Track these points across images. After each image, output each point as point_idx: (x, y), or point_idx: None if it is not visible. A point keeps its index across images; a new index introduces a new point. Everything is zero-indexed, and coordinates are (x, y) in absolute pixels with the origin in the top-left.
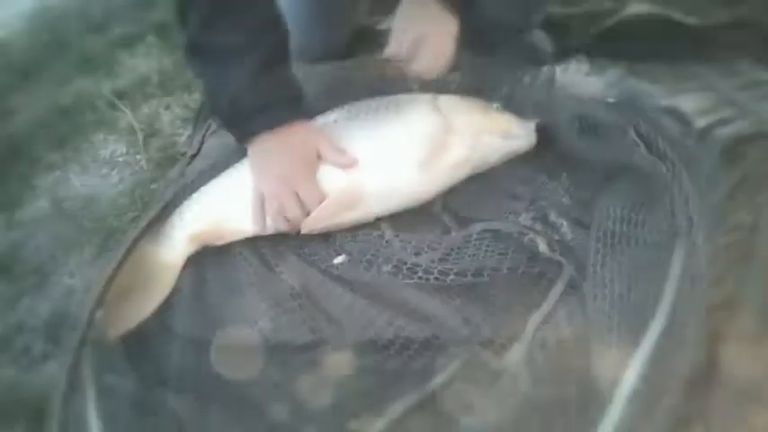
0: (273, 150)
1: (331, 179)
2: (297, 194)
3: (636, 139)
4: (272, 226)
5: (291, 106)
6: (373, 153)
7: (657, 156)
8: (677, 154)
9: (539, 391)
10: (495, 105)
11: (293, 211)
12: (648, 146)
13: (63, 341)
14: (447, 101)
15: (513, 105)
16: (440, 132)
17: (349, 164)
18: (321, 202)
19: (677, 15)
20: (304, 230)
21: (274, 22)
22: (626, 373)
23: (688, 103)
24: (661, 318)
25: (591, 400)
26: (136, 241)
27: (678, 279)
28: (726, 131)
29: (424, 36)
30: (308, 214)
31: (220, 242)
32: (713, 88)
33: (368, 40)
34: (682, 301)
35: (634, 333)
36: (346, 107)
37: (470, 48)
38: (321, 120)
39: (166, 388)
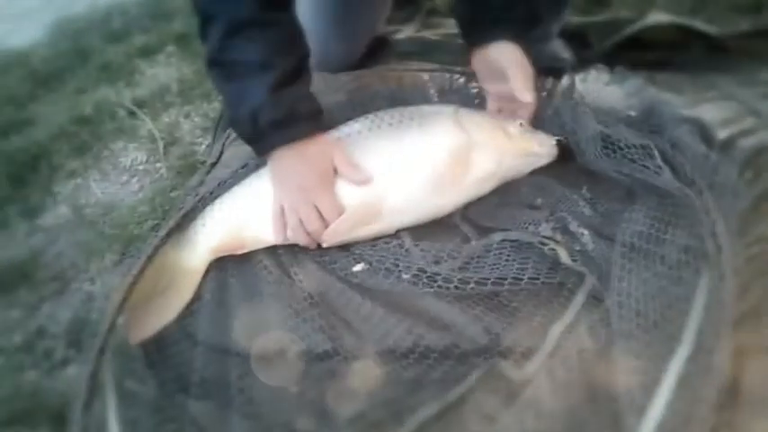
0: (292, 164)
1: (352, 192)
2: (316, 207)
3: (661, 163)
4: (292, 237)
5: (310, 121)
6: (395, 167)
7: (684, 181)
8: (703, 175)
9: (559, 405)
10: (518, 122)
11: (313, 224)
12: (674, 169)
13: (84, 346)
14: (470, 117)
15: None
16: (463, 149)
17: (363, 180)
18: (340, 215)
19: (698, 24)
20: (325, 244)
21: (294, 38)
22: (653, 402)
23: (709, 113)
24: (687, 343)
25: (613, 420)
26: (157, 249)
27: (704, 305)
28: (748, 142)
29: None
30: (327, 227)
31: (241, 251)
32: (734, 98)
33: (385, 48)
34: (708, 327)
35: (660, 358)
36: (369, 117)
37: None
38: (345, 129)
39: (187, 395)
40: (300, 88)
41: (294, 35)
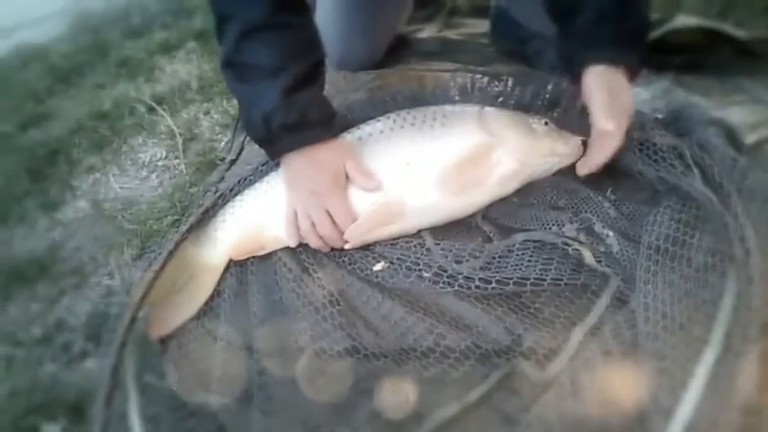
0: (304, 168)
1: (374, 194)
2: (328, 212)
3: (690, 163)
4: (305, 241)
5: (322, 126)
6: (418, 167)
7: (713, 184)
8: (731, 179)
9: (582, 407)
10: (543, 121)
11: (325, 229)
12: (703, 172)
13: (102, 340)
14: (494, 119)
15: (557, 115)
16: (486, 149)
17: (374, 187)
18: (353, 220)
19: (726, 28)
20: (348, 246)
21: (309, 42)
22: (680, 405)
23: (737, 116)
24: (715, 347)
25: (639, 424)
26: (177, 245)
27: (732, 309)
28: None
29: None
30: (339, 231)
31: (262, 252)
32: (762, 101)
33: (406, 47)
34: (736, 330)
35: (687, 361)
36: (392, 117)
37: (513, 58)
38: (367, 129)
39: (207, 391)
40: (313, 93)
41: (309, 39)
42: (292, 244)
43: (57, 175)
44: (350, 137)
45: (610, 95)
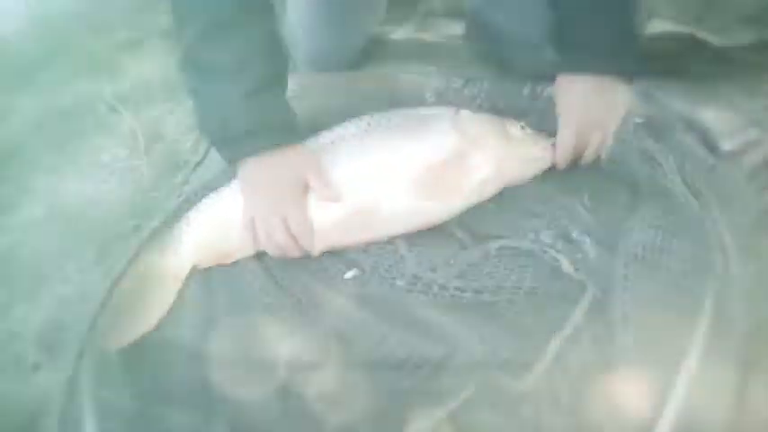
0: (262, 175)
1: (345, 199)
2: (286, 220)
3: (669, 169)
4: (263, 248)
5: (282, 132)
6: (390, 171)
7: (692, 192)
8: (710, 187)
9: (559, 420)
10: (520, 125)
11: (281, 238)
12: (682, 178)
13: (57, 351)
14: (470, 123)
15: (532, 120)
16: (461, 153)
17: (334, 198)
18: (310, 229)
19: (701, 34)
20: (315, 252)
21: (273, 44)
22: (660, 415)
23: (713, 123)
24: (694, 357)
25: None
26: (139, 251)
27: (711, 317)
28: (754, 156)
29: (596, 126)
30: (296, 241)
31: (229, 260)
32: (738, 109)
33: (380, 49)
34: (715, 341)
35: (667, 371)
36: (365, 119)
37: (489, 60)
38: (339, 131)
39: (169, 403)
40: (275, 97)
41: (272, 42)
42: (250, 252)
43: (11, 176)
44: (321, 140)
45: (569, 105)
